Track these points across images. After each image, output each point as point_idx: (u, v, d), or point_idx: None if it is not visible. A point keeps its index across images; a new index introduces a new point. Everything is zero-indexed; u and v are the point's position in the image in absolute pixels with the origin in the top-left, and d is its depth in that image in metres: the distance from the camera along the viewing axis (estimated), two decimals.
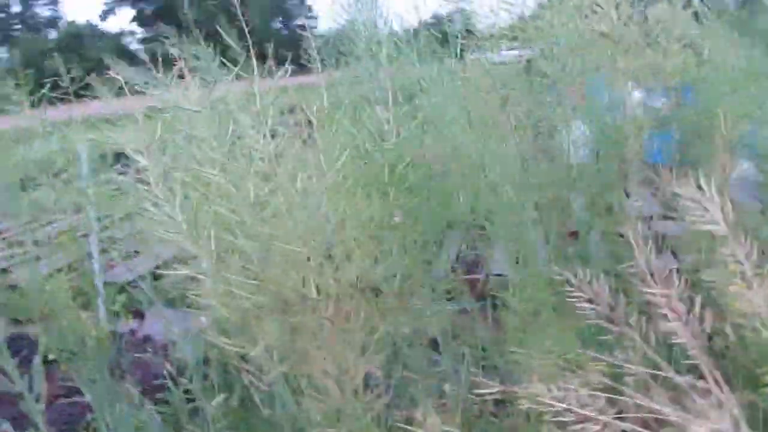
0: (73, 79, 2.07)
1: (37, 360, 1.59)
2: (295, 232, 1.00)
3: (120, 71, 2.22)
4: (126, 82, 2.14)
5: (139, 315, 2.86)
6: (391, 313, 1.14)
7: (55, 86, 2.06)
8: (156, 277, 2.21)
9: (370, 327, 1.10)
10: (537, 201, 1.22)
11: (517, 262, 1.23)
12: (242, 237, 1.02)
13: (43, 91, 1.84)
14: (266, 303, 1.05)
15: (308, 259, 1.01)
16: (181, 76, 1.83)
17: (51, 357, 1.75)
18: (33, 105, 1.82)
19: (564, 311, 1.22)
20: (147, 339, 2.68)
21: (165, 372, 2.12)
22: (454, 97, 1.31)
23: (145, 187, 1.10)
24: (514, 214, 1.19)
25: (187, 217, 1.04)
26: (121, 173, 2.01)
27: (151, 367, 2.25)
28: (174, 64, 1.59)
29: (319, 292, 1.02)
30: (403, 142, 1.13)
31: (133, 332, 2.77)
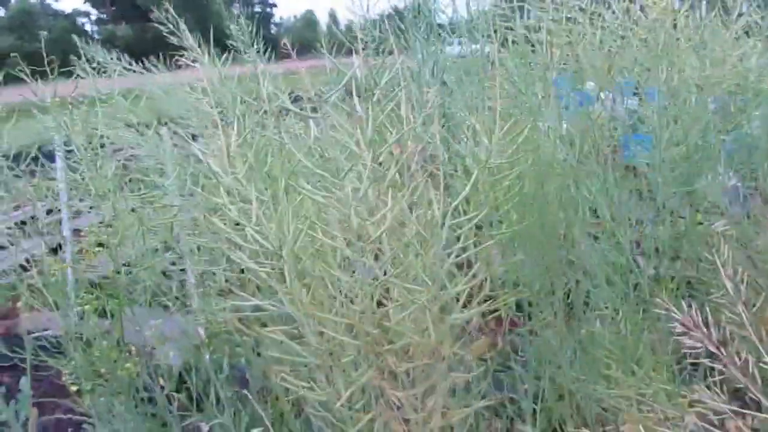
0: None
1: (25, 383, 1.37)
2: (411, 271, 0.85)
3: (90, 52, 2.00)
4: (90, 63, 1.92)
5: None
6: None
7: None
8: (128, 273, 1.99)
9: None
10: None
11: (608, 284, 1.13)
12: (346, 273, 0.86)
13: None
14: (363, 345, 0.91)
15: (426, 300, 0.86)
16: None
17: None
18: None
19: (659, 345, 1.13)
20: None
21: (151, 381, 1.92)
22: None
23: (218, 201, 0.92)
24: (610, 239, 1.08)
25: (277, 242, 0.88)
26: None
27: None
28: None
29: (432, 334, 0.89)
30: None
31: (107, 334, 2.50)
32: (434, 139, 1.09)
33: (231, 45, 1.81)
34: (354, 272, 0.89)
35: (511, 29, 1.52)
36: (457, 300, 0.94)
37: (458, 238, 0.91)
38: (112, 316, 1.87)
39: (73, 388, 1.37)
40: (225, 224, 0.99)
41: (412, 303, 0.85)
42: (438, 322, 0.90)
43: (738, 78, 1.61)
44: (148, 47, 2.12)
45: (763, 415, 0.91)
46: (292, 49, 1.27)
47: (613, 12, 1.63)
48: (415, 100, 1.22)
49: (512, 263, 1.05)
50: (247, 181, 0.93)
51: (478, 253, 1.06)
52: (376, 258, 0.91)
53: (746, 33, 1.68)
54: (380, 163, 0.93)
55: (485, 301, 0.98)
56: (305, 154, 0.98)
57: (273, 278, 0.95)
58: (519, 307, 1.21)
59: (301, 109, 1.06)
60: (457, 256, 0.86)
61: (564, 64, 1.50)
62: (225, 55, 1.55)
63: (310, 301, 0.92)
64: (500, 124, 0.96)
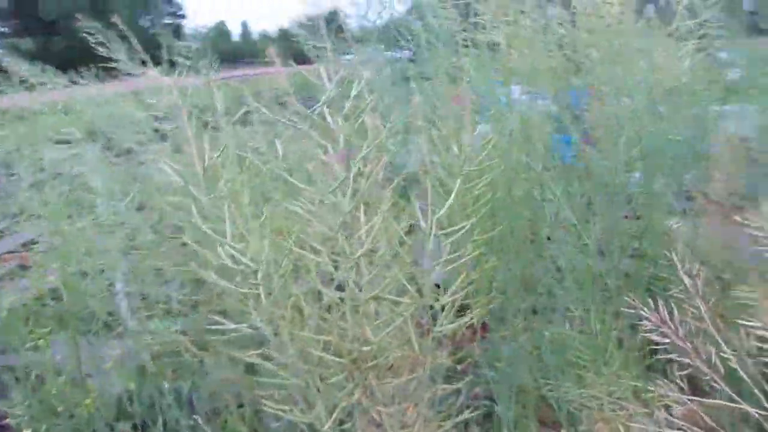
0: None
1: None
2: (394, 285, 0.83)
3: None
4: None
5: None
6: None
7: None
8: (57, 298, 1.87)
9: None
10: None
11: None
12: (329, 290, 0.83)
13: None
14: (346, 363, 0.87)
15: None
16: None
17: None
18: None
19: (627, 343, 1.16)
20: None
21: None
22: None
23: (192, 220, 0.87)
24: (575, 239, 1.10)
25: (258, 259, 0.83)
26: None
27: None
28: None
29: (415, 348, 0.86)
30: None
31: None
32: (400, 149, 1.08)
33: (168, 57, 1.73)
34: (339, 287, 0.86)
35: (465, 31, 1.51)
36: (434, 315, 0.93)
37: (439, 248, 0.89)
38: (36, 347, 1.74)
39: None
40: (186, 244, 0.94)
41: (398, 316, 0.83)
42: (421, 335, 0.89)
43: (675, 80, 1.68)
44: (52, 61, 2.01)
45: (718, 401, 0.94)
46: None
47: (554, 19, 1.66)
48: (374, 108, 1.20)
49: (486, 269, 1.04)
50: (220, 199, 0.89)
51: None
52: (357, 274, 0.88)
53: (679, 38, 1.75)
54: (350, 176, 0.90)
55: (461, 309, 0.97)
56: (271, 168, 0.95)
57: (250, 298, 0.90)
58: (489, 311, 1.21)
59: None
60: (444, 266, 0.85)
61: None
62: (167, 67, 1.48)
63: (290, 320, 0.89)
64: (469, 131, 0.96)
